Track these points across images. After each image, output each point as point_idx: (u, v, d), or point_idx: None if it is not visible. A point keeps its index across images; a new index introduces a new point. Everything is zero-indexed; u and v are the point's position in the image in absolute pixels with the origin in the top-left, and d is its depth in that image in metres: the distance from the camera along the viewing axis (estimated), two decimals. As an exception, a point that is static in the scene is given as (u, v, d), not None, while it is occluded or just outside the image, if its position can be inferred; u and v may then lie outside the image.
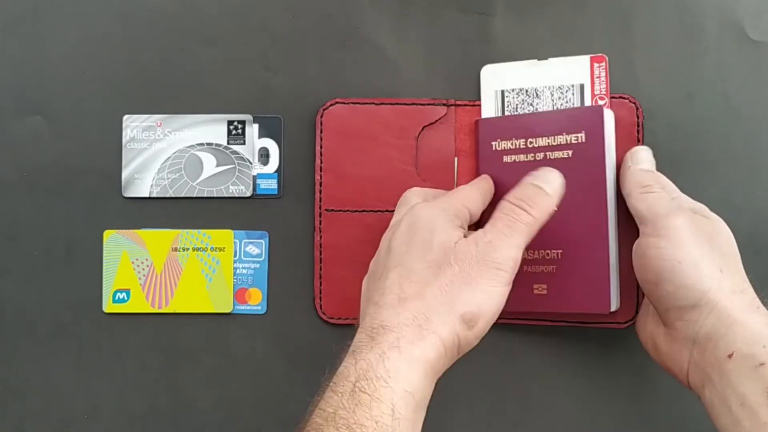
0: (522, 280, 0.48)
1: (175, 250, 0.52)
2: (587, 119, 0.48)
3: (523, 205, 0.43)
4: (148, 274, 0.52)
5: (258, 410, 0.52)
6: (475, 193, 0.47)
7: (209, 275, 0.52)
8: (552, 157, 0.49)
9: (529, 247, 0.48)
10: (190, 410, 0.52)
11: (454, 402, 0.52)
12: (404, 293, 0.40)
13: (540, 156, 0.49)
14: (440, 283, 0.40)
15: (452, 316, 0.40)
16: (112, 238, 0.52)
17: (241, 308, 0.52)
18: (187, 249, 0.52)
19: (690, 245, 0.43)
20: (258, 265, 0.52)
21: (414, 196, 0.47)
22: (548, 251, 0.49)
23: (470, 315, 0.40)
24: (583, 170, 0.48)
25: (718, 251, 0.43)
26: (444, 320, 0.40)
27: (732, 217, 0.53)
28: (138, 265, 0.52)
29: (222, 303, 0.52)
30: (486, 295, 0.40)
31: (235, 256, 0.52)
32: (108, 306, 0.52)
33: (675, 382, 0.53)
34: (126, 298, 0.52)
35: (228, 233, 0.52)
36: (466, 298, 0.40)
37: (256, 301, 0.52)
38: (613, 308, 0.48)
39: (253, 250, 0.52)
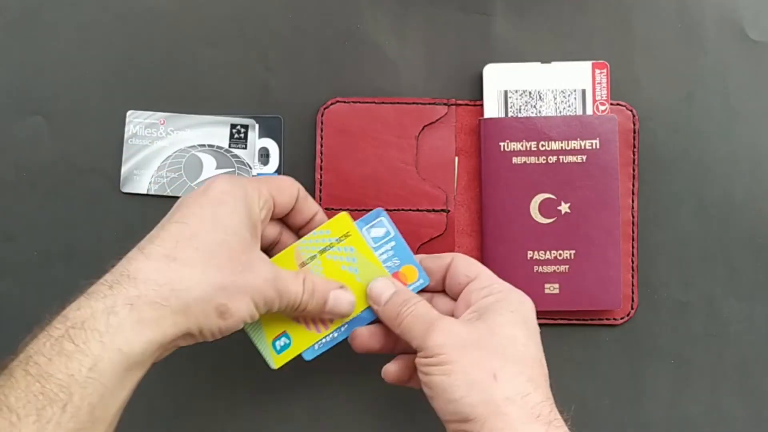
0: (533, 281, 0.50)
1: (176, 249, 0.52)
2: (602, 126, 0.50)
3: None
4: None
5: (258, 410, 0.52)
6: None
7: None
8: (565, 161, 0.50)
9: (542, 249, 0.50)
10: (190, 410, 0.52)
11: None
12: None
13: (553, 159, 0.51)
14: None
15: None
16: (112, 238, 0.52)
17: (242, 308, 0.52)
18: (188, 249, 0.52)
19: (458, 355, 0.39)
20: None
21: None
22: (561, 251, 0.50)
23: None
24: (596, 175, 0.50)
25: (495, 353, 0.40)
26: None
27: (732, 217, 0.53)
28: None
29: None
30: None
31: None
32: (108, 306, 0.52)
33: (673, 380, 0.53)
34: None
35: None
36: None
37: (256, 301, 0.52)
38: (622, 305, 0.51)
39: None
